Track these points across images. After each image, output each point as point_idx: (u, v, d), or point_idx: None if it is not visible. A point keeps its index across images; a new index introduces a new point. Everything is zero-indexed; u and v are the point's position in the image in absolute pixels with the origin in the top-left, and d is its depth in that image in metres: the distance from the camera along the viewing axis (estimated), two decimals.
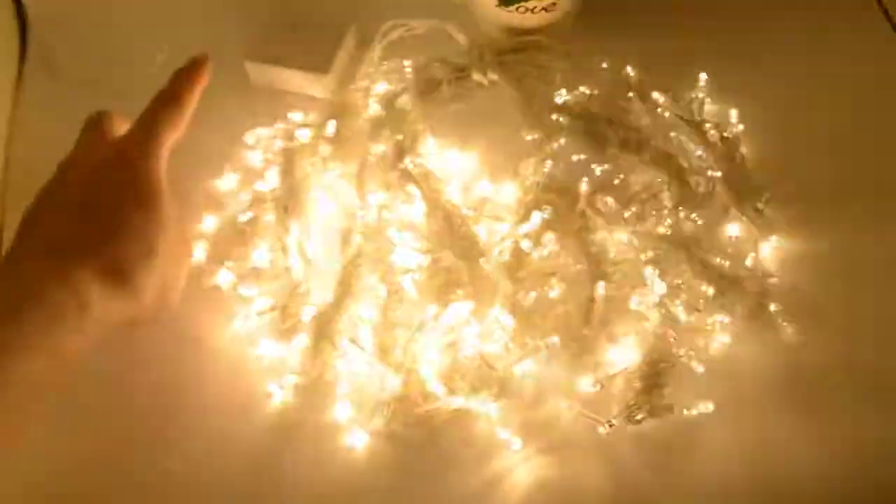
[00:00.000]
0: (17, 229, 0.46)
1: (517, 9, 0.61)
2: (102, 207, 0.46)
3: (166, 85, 0.51)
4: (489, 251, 0.56)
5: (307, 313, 0.55)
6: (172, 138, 0.50)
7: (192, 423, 0.54)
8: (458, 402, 0.52)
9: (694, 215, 0.57)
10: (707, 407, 0.51)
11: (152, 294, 0.47)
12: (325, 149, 0.60)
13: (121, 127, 0.50)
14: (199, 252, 0.59)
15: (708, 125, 0.59)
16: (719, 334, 0.54)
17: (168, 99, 0.51)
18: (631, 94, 0.61)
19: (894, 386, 0.53)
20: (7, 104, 0.67)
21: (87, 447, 0.53)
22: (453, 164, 0.61)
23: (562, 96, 0.62)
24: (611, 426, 0.51)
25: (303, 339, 0.54)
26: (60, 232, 0.45)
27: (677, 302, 0.54)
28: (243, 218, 0.59)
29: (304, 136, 0.61)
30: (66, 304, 0.42)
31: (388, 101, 0.63)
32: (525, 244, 0.56)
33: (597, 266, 0.55)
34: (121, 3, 0.71)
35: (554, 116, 0.61)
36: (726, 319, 0.54)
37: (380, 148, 0.60)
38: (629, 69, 0.62)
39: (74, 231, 0.45)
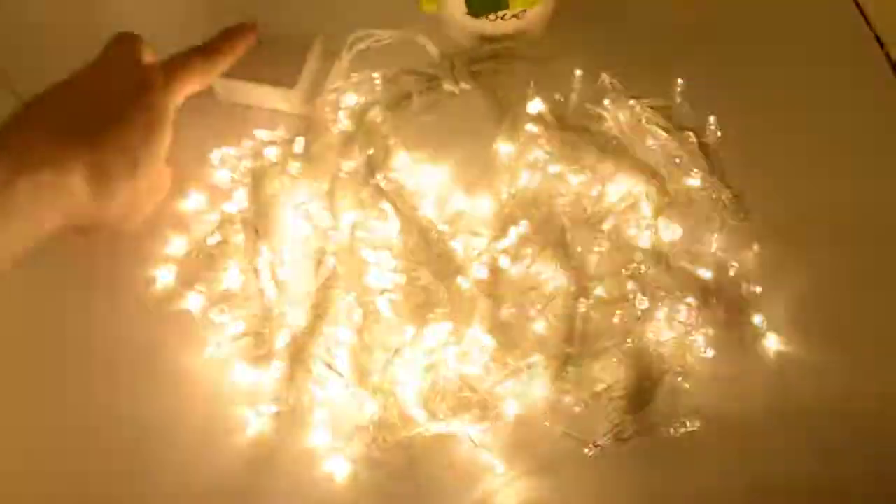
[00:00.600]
0: (29, 102, 0.49)
1: (487, 16, 0.60)
2: (111, 112, 0.50)
3: (211, 39, 0.57)
4: (466, 268, 0.54)
5: (281, 338, 0.53)
6: (195, 88, 0.56)
7: (165, 452, 0.52)
8: (439, 427, 0.50)
9: (674, 225, 0.56)
10: (694, 424, 0.50)
11: (118, 206, 0.50)
12: (294, 167, 0.58)
13: (146, 53, 0.54)
14: (168, 275, 0.57)
15: (686, 132, 0.58)
16: (703, 347, 0.53)
17: (206, 51, 0.57)
18: (607, 102, 0.60)
19: (882, 394, 0.53)
20: None
21: (58, 475, 0.52)
22: (426, 178, 0.59)
23: (536, 105, 0.60)
24: (596, 447, 0.49)
25: (278, 366, 0.53)
26: (67, 119, 0.49)
27: (660, 315, 0.53)
28: (212, 240, 0.57)
29: (271, 154, 0.59)
30: (53, 184, 0.46)
31: (358, 115, 0.61)
32: (503, 260, 0.55)
33: (577, 281, 0.54)
34: (78, 17, 0.69)
35: (528, 126, 0.59)
36: (710, 332, 0.53)
37: (350, 164, 0.59)
38: (605, 76, 0.61)
39: (79, 123, 0.49)
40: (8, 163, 0.45)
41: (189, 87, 0.55)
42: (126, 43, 0.54)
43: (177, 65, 0.55)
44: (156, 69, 0.53)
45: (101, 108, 0.50)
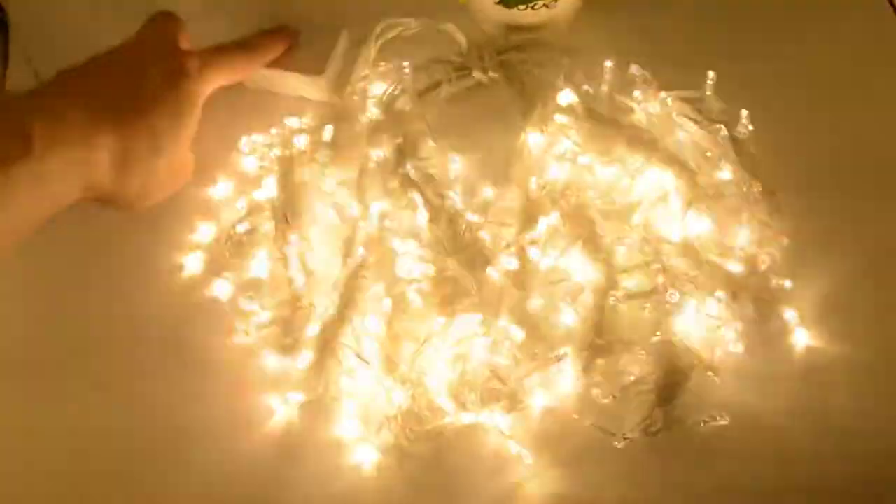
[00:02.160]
0: (64, 70, 0.50)
1: (517, 6, 0.59)
2: (143, 93, 0.51)
3: (251, 36, 0.59)
4: (495, 259, 0.54)
5: (310, 327, 0.53)
6: (227, 81, 0.57)
7: (191, 439, 0.53)
8: (468, 417, 0.50)
9: (704, 218, 0.55)
10: (723, 418, 0.50)
11: (136, 185, 0.51)
12: (322, 155, 0.58)
13: (183, 38, 0.55)
14: (196, 262, 0.57)
15: (718, 125, 0.58)
16: (733, 342, 0.52)
17: (245, 48, 0.59)
18: (637, 93, 0.59)
19: None
20: None
21: (84, 457, 0.53)
22: (455, 167, 0.59)
23: (566, 96, 0.60)
24: (626, 439, 0.49)
25: (306, 354, 0.53)
26: (100, 94, 0.49)
27: (689, 309, 0.53)
28: (241, 228, 0.57)
29: (300, 142, 0.59)
30: (80, 159, 0.47)
31: (387, 104, 0.61)
32: (532, 251, 0.54)
33: (606, 273, 0.54)
34: (104, 4, 0.69)
35: (557, 117, 0.59)
36: (739, 326, 0.53)
37: (379, 153, 0.58)
38: (635, 67, 0.60)
39: (111, 100, 0.49)
40: (41, 132, 0.45)
41: (222, 79, 0.56)
42: (165, 24, 0.54)
43: (214, 56, 0.56)
44: (192, 56, 0.54)
45: (133, 88, 0.51)
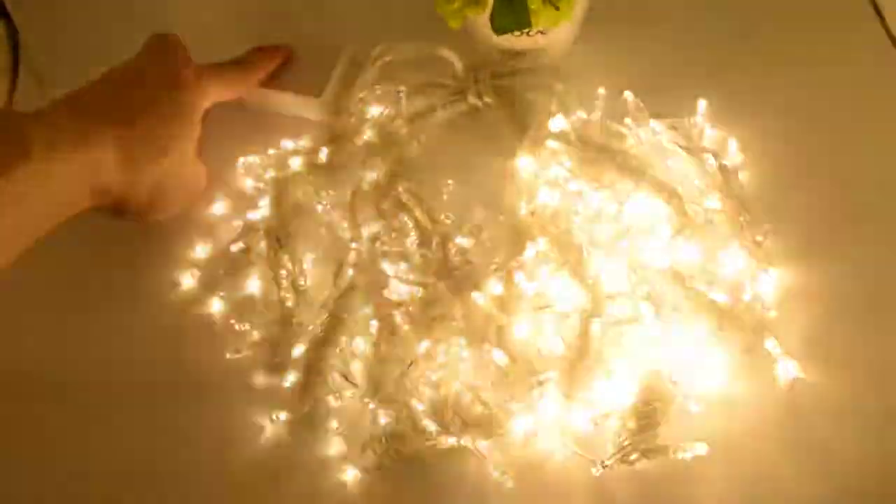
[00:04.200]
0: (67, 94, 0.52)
1: (512, 33, 0.60)
2: (142, 102, 0.52)
3: (245, 54, 0.61)
4: (483, 283, 0.55)
5: (298, 348, 0.54)
6: (224, 97, 0.59)
7: (178, 454, 0.54)
8: (450, 440, 0.51)
9: (692, 246, 0.56)
10: (701, 448, 0.50)
11: (145, 190, 0.53)
12: (317, 176, 0.59)
13: (182, 54, 0.56)
14: (191, 279, 0.59)
15: (707, 154, 0.58)
16: (716, 371, 0.53)
17: (241, 64, 0.60)
18: (628, 121, 0.60)
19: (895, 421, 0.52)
20: None
21: (70, 475, 0.53)
22: (447, 191, 0.60)
23: (558, 122, 0.60)
24: (604, 467, 0.50)
25: (294, 374, 0.54)
26: (99, 104, 0.51)
27: (673, 336, 0.53)
28: (235, 247, 0.58)
29: (295, 163, 0.60)
30: (82, 160, 0.49)
31: (382, 126, 0.62)
32: (519, 276, 0.55)
33: (592, 299, 0.54)
34: (110, 15, 0.71)
35: (549, 142, 0.60)
36: (723, 355, 0.53)
37: (373, 175, 0.59)
38: (627, 94, 0.61)
39: (111, 108, 0.51)
40: (39, 137, 0.47)
41: (218, 93, 0.58)
42: (162, 42, 0.56)
43: (211, 71, 0.57)
44: (189, 70, 0.55)
45: (129, 96, 0.52)
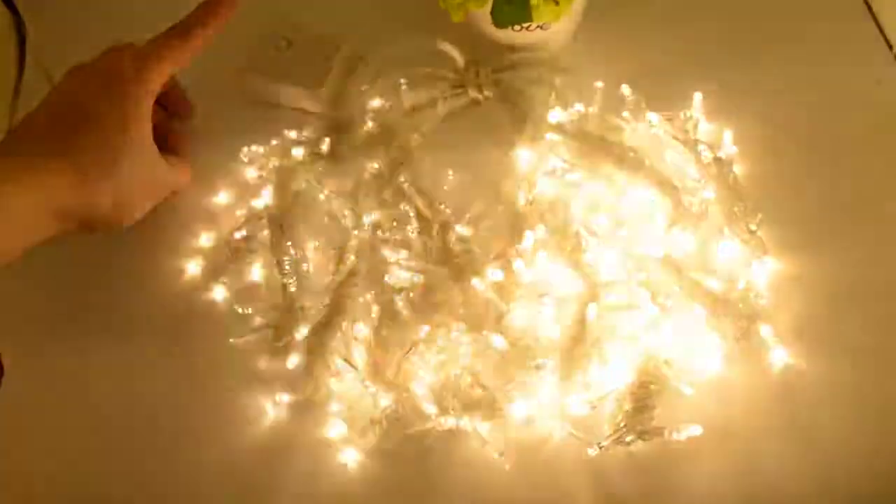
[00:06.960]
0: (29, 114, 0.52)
1: (512, 27, 0.61)
2: (84, 112, 0.51)
3: (186, 16, 0.55)
4: (482, 270, 0.56)
5: (301, 332, 0.55)
6: (173, 68, 0.55)
7: (183, 438, 0.55)
8: (449, 422, 0.52)
9: (687, 236, 0.57)
10: (696, 430, 0.51)
11: (107, 204, 0.51)
12: (319, 166, 0.60)
13: (129, 51, 0.54)
14: (196, 267, 0.59)
15: (702, 146, 0.59)
16: (710, 356, 0.54)
17: (179, 28, 0.55)
18: (626, 114, 0.61)
19: (886, 409, 0.53)
20: (5, 113, 0.68)
21: (73, 456, 0.55)
22: (447, 181, 0.61)
23: (557, 114, 0.61)
24: (601, 448, 0.51)
25: (296, 358, 0.55)
26: (46, 125, 0.51)
27: (668, 323, 0.54)
28: (238, 235, 0.59)
29: (298, 153, 0.61)
30: (39, 188, 0.48)
31: (383, 117, 0.63)
32: (518, 263, 0.56)
33: (589, 287, 0.55)
34: (116, 14, 0.72)
35: (548, 135, 0.61)
36: (717, 341, 0.54)
37: (374, 165, 0.61)
38: (625, 88, 0.62)
39: (56, 128, 0.50)
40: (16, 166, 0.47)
41: (164, 68, 0.54)
42: (108, 52, 0.55)
43: (148, 50, 0.54)
44: (121, 58, 0.53)
45: (74, 110, 0.51)
